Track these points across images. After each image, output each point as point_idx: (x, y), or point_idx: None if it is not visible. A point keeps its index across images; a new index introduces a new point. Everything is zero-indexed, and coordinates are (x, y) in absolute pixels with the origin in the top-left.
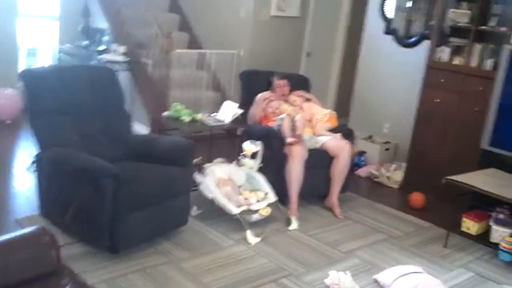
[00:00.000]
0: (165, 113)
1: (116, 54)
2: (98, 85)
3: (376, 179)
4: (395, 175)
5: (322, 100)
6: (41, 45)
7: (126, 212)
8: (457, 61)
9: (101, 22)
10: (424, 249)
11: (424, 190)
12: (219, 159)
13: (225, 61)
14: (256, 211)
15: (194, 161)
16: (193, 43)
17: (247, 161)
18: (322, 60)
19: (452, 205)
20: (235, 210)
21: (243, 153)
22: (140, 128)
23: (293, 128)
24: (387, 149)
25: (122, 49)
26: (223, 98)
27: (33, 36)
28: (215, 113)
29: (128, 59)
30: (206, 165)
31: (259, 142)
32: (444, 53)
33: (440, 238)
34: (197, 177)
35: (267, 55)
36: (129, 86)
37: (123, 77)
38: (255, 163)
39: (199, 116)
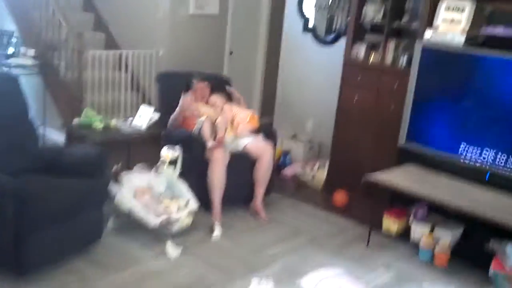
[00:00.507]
0: (76, 120)
1: (25, 58)
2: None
3: (301, 179)
4: (319, 174)
5: (246, 100)
6: None
7: (31, 231)
8: (373, 58)
9: (8, 24)
10: (347, 250)
11: (347, 189)
12: (139, 165)
13: (144, 61)
14: (176, 221)
15: (113, 168)
16: (110, 43)
17: (166, 169)
18: (245, 58)
19: (373, 203)
20: (153, 221)
21: (161, 159)
22: (57, 136)
23: (214, 131)
24: (311, 148)
25: (31, 52)
26: (144, 100)
27: None
28: (131, 118)
29: (38, 62)
30: (123, 173)
31: (177, 147)
32: (360, 50)
33: (363, 237)
34: (113, 187)
35: (188, 55)
36: (41, 91)
37: (34, 82)
38: (175, 170)
39: (113, 122)
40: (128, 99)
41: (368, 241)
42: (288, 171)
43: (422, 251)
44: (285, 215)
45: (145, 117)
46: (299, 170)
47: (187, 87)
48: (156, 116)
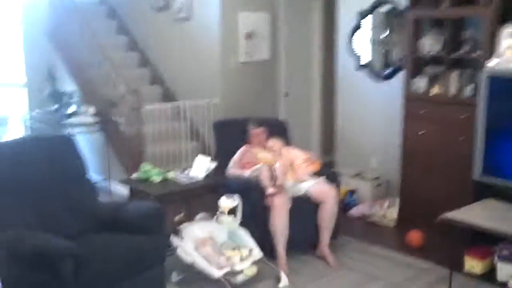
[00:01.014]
0: (134, 175)
1: (85, 116)
2: (54, 157)
3: (369, 219)
4: (389, 212)
5: (305, 140)
6: (11, 114)
7: None
8: (435, 90)
9: (68, 84)
10: None
11: (421, 227)
12: (201, 214)
13: (201, 110)
14: (240, 272)
15: (176, 218)
16: (167, 96)
17: (225, 218)
18: (301, 98)
19: (451, 243)
20: (216, 273)
21: (220, 210)
22: (121, 189)
23: (273, 177)
24: (378, 185)
25: (91, 110)
26: (203, 148)
27: (2, 105)
28: (188, 169)
29: (99, 119)
30: (183, 225)
31: (236, 196)
32: (420, 83)
33: (443, 280)
34: (174, 240)
35: (243, 101)
36: (103, 147)
37: (96, 139)
38: (235, 220)
39: (171, 174)
40: (188, 148)
41: (450, 284)
42: (355, 211)
43: None
44: (356, 259)
45: (202, 167)
46: (367, 210)
47: (246, 132)
48: (213, 165)
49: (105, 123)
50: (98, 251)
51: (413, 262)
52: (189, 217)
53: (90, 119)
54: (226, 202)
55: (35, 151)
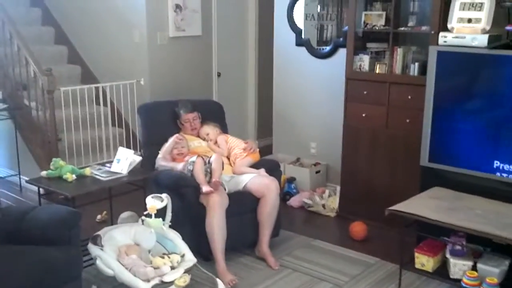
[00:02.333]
0: (43, 173)
1: None
2: None
3: (310, 209)
4: (330, 201)
5: (241, 123)
6: None
7: None
8: (379, 69)
9: None
10: None
11: (364, 217)
12: (126, 213)
13: (125, 92)
14: (171, 283)
15: (98, 218)
16: (86, 77)
17: (152, 221)
18: (236, 79)
19: (399, 236)
20: (143, 287)
21: (146, 211)
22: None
23: (209, 171)
24: (317, 172)
25: None
26: (128, 135)
27: None
28: (108, 165)
29: (6, 105)
30: (103, 230)
31: (164, 195)
32: (363, 61)
33: (392, 277)
34: (92, 248)
35: (173, 81)
36: (12, 137)
37: (4, 127)
38: (163, 222)
39: (88, 171)
40: (111, 136)
41: (400, 282)
42: (295, 201)
43: None
44: (299, 258)
45: (125, 161)
46: (307, 200)
47: (176, 116)
48: (137, 158)
49: (15, 109)
50: None
51: (358, 258)
52: (112, 219)
53: None
54: (153, 202)
55: None
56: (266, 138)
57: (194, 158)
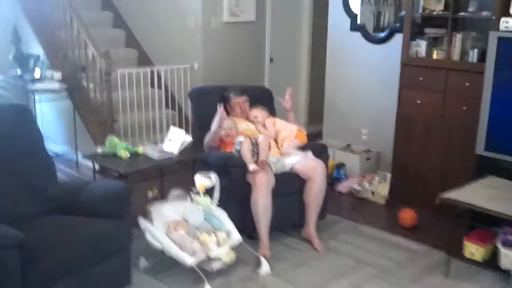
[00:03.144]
0: (99, 150)
1: (51, 82)
2: (5, 129)
3: (359, 195)
4: (380, 188)
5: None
6: None
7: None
8: (436, 55)
9: (34, 47)
10: (423, 283)
11: (414, 205)
12: (176, 192)
13: (179, 76)
14: (217, 258)
15: (149, 194)
16: (143, 59)
17: (201, 199)
18: (288, 65)
19: (449, 225)
20: (189, 260)
21: (195, 190)
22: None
23: (256, 152)
24: (368, 159)
25: (58, 75)
26: (181, 117)
27: None
28: (160, 144)
29: (66, 85)
30: (153, 206)
31: (213, 175)
32: (420, 47)
33: (439, 265)
34: (142, 222)
35: (226, 66)
36: (71, 116)
37: (63, 107)
38: (211, 200)
39: (141, 149)
40: (164, 117)
41: (448, 270)
42: (343, 187)
43: None
44: (344, 241)
45: (176, 140)
46: (356, 186)
47: (225, 101)
48: (188, 138)
49: (73, 90)
50: (52, 238)
51: (406, 245)
52: (162, 196)
53: (55, 86)
54: (202, 180)
55: None
56: (317, 124)
57: (241, 139)
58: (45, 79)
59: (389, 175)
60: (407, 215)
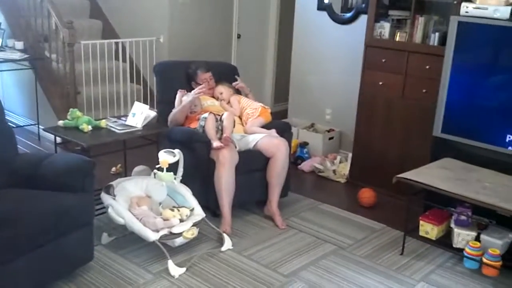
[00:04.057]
0: (60, 122)
1: (13, 51)
2: None
3: (321, 174)
4: (341, 168)
5: (258, 86)
6: None
7: (3, 262)
8: (399, 37)
9: None
10: (379, 260)
11: (374, 184)
12: (140, 167)
13: (144, 49)
14: (179, 234)
15: (113, 169)
16: (108, 31)
17: (164, 175)
18: (255, 41)
19: (406, 204)
20: (152, 236)
21: (158, 165)
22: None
23: (220, 129)
24: (331, 138)
25: (19, 45)
26: (146, 91)
27: None
28: (123, 118)
29: (27, 56)
30: (116, 181)
31: (177, 151)
32: (384, 29)
33: (396, 243)
34: (105, 197)
35: (192, 41)
36: (32, 87)
37: (25, 78)
38: (176, 176)
39: (104, 123)
40: (129, 91)
41: (403, 248)
42: (306, 166)
43: (468, 260)
44: (305, 219)
45: (140, 115)
46: (319, 165)
47: (189, 77)
48: (152, 113)
49: (36, 60)
50: (11, 212)
51: (364, 223)
52: (126, 171)
53: (15, 56)
54: (166, 156)
55: None
56: (283, 103)
57: (206, 115)
58: (6, 48)
59: (350, 155)
60: (367, 195)
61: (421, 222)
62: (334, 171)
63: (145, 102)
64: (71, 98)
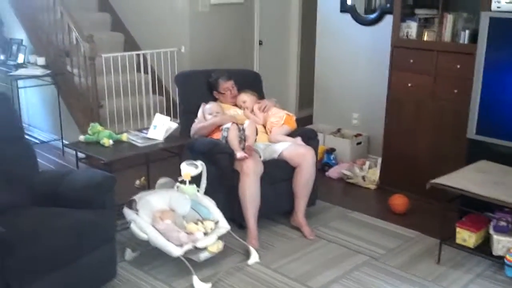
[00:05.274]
0: (81, 137)
1: (35, 67)
2: None
3: (349, 180)
4: (370, 173)
5: (282, 93)
6: None
7: (22, 284)
8: (427, 36)
9: (17, 31)
10: (414, 270)
11: (406, 190)
12: (163, 179)
13: (167, 60)
14: (204, 249)
15: (136, 183)
16: (130, 43)
17: (187, 188)
18: (277, 47)
19: (441, 210)
20: (175, 251)
21: (181, 178)
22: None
23: (243, 138)
24: (359, 143)
25: (41, 60)
26: (169, 103)
27: None
28: (145, 131)
29: (49, 71)
30: (138, 196)
31: (199, 162)
32: (410, 28)
33: (431, 252)
34: (127, 213)
35: (214, 49)
36: (55, 102)
37: (48, 93)
38: (198, 189)
39: (125, 136)
40: (152, 103)
41: (439, 257)
42: (334, 173)
43: (509, 268)
44: (334, 229)
45: (161, 127)
46: (347, 171)
47: (210, 86)
48: (174, 125)
49: (58, 75)
50: (32, 231)
51: (397, 231)
52: (149, 184)
53: (37, 72)
54: (188, 168)
55: None
56: (307, 108)
57: (229, 125)
58: (29, 65)
59: (380, 160)
60: (398, 201)
61: (457, 229)
62: (363, 177)
63: (168, 113)
64: (94, 112)
